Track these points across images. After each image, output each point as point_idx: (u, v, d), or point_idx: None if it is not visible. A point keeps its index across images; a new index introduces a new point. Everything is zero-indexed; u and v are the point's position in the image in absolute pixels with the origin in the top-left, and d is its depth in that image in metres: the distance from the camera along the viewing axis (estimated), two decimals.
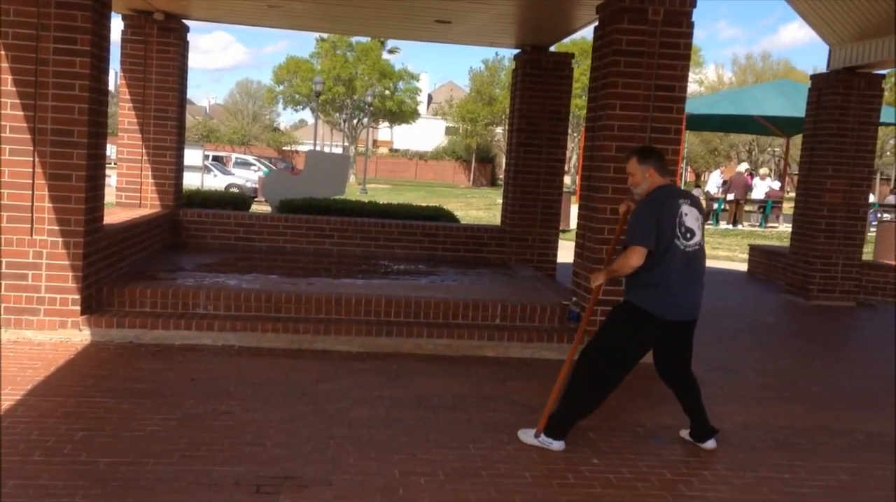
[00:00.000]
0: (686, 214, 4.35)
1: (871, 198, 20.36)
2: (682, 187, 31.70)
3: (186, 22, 9.27)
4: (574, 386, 4.41)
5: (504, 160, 10.48)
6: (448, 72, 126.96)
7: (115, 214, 8.15)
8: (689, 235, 4.34)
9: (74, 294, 6.05)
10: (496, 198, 31.62)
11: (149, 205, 9.14)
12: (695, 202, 4.46)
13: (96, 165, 6.23)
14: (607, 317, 4.54)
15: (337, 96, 51.81)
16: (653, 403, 5.33)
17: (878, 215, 21.12)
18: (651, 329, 4.38)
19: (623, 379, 4.46)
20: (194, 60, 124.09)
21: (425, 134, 69.42)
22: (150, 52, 8.90)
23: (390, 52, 53.48)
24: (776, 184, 24.30)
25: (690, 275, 4.37)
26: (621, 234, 4.78)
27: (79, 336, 6.07)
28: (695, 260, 4.39)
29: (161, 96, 8.99)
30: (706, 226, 21.40)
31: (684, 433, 4.67)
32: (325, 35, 50.71)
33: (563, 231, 15.34)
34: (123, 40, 8.91)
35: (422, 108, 64.06)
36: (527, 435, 4.47)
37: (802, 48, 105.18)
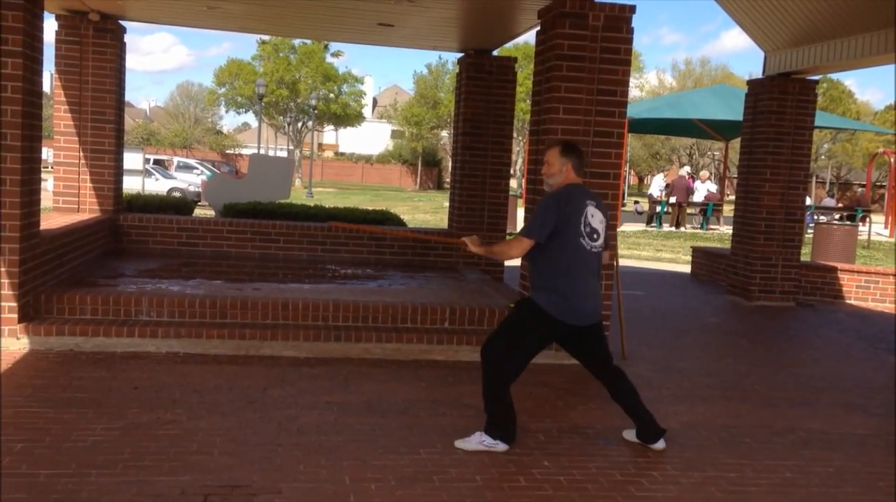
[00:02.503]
0: (592, 215, 4.42)
1: (808, 201, 20.96)
2: (626, 191, 31.86)
3: (124, 23, 9.06)
4: (485, 384, 4.45)
5: (450, 163, 10.49)
6: (393, 75, 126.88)
7: (52, 219, 7.93)
8: (594, 236, 4.42)
9: (11, 302, 5.86)
10: (443, 201, 31.69)
11: (87, 209, 8.90)
12: (601, 205, 4.54)
13: (31, 169, 6.04)
14: (510, 312, 4.59)
15: (280, 99, 51.32)
16: (601, 405, 5.38)
17: (815, 217, 21.75)
18: (550, 330, 4.43)
19: (520, 375, 4.49)
20: (135, 62, 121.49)
21: (371, 137, 69.22)
22: (86, 54, 8.67)
23: (334, 55, 53.17)
24: (714, 187, 24.85)
25: (592, 277, 4.46)
26: None
27: (16, 344, 5.88)
28: (596, 262, 4.49)
29: (98, 98, 8.77)
30: (650, 229, 21.79)
31: (628, 434, 4.70)
32: (266, 37, 50.21)
33: (510, 234, 15.44)
34: (58, 41, 8.66)
35: (367, 112, 63.83)
36: (468, 443, 4.44)
37: (743, 54, 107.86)
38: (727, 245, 13.93)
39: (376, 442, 4.44)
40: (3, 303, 5.85)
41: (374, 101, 75.24)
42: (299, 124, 54.48)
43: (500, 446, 4.38)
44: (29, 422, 4.39)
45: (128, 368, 5.58)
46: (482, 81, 9.57)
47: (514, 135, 15.58)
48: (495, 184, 9.77)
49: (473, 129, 9.62)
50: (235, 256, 9.29)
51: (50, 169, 9.58)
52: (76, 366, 5.56)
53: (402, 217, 12.06)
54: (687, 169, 26.70)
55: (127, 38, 9.21)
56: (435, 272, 9.10)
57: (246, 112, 56.73)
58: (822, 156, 51.48)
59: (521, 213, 12.09)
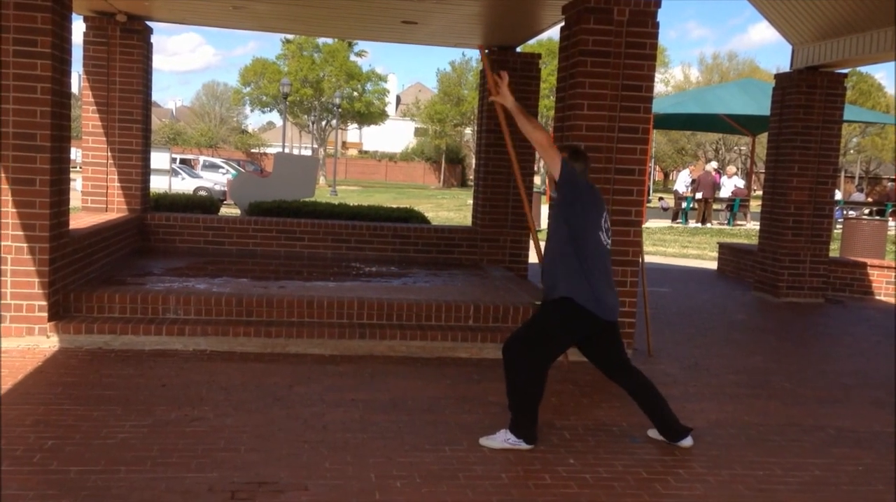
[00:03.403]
0: (606, 215, 4.48)
1: (837, 196, 20.68)
2: (651, 187, 31.51)
3: (150, 23, 9.15)
4: (510, 384, 4.41)
5: (474, 161, 10.48)
6: (416, 73, 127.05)
7: (81, 219, 8.02)
8: (608, 233, 4.47)
9: (41, 300, 5.94)
10: (467, 199, 31.67)
11: (115, 209, 9.01)
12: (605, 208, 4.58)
13: (60, 169, 6.12)
14: (541, 311, 4.51)
15: (304, 98, 51.56)
16: (627, 402, 5.32)
17: (844, 212, 21.46)
18: (580, 326, 4.40)
19: (546, 374, 4.47)
20: (162, 62, 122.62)
21: (394, 135, 69.35)
22: (114, 55, 8.77)
23: (358, 55, 53.32)
24: (741, 183, 24.60)
25: (610, 273, 4.50)
26: None
27: (47, 343, 5.96)
28: (610, 259, 4.52)
29: (126, 99, 8.86)
30: (676, 225, 21.61)
31: (654, 433, 4.67)
32: (290, 37, 50.45)
33: (539, 231, 15.35)
34: (85, 42, 8.77)
35: (390, 110, 63.96)
36: (488, 440, 4.43)
37: (771, 47, 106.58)
38: (754, 241, 13.78)
39: (401, 439, 4.45)
40: (33, 302, 5.94)
41: (398, 99, 75.36)
42: (323, 123, 54.71)
43: (524, 445, 4.38)
44: (59, 420, 4.46)
45: (156, 366, 5.64)
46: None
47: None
48: None
49: (498, 127, 9.57)
50: (261, 254, 9.35)
51: (78, 169, 9.71)
52: (105, 364, 5.63)
53: (426, 215, 12.06)
54: (713, 164, 26.45)
55: (154, 38, 9.31)
56: (459, 269, 9.10)
57: (271, 111, 57.12)
58: (852, 151, 50.80)
59: (544, 210, 12.09)
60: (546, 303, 4.50)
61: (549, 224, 4.61)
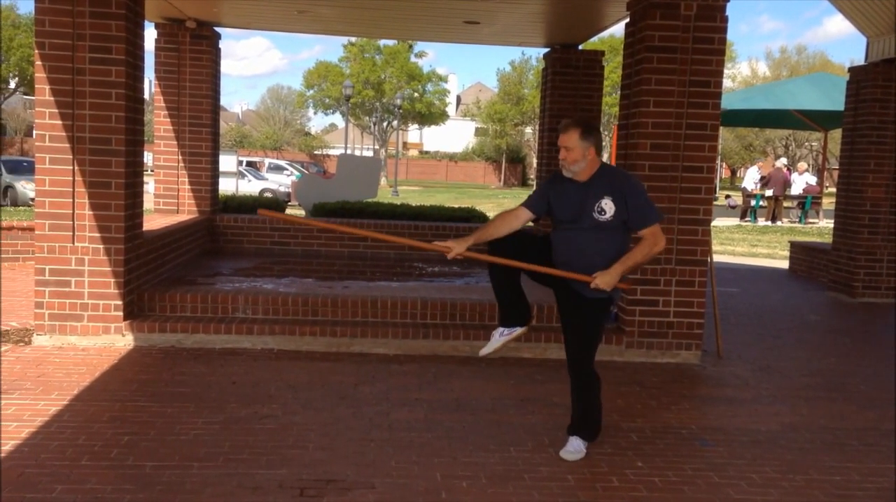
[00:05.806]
0: None
1: None
2: (718, 184, 30.83)
3: (218, 29, 9.35)
4: (587, 396, 4.27)
5: (535, 160, 10.43)
6: (476, 73, 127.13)
7: (153, 221, 8.25)
8: None
9: (116, 300, 6.12)
10: None
11: (186, 211, 9.24)
12: None
13: (134, 173, 6.30)
14: (587, 314, 4.27)
15: (366, 100, 52.08)
16: (696, 405, 5.25)
17: None
18: None
19: None
20: (231, 67, 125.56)
21: (455, 135, 69.51)
22: (184, 60, 9.00)
23: (418, 55, 53.61)
24: (812, 180, 23.90)
25: None
26: None
27: (122, 341, 6.14)
28: None
29: (195, 103, 9.08)
30: (744, 224, 21.10)
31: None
32: (352, 39, 51.03)
33: None
34: (157, 49, 9.02)
35: (451, 110, 64.10)
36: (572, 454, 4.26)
37: (848, 40, 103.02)
38: (827, 239, 13.38)
39: (466, 439, 4.45)
40: (109, 302, 6.12)
41: (458, 99, 75.50)
42: (385, 124, 55.16)
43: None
44: (135, 416, 4.58)
45: (226, 364, 5.76)
46: (568, 76, 9.48)
47: (601, 129, 15.36)
48: None
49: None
50: (325, 255, 9.48)
51: (150, 172, 10.00)
52: (178, 362, 5.77)
53: (487, 214, 12.03)
54: (783, 160, 25.75)
55: (222, 43, 9.52)
56: None
57: (333, 113, 57.87)
58: None
59: None
60: (593, 303, 4.26)
61: (589, 227, 4.26)
